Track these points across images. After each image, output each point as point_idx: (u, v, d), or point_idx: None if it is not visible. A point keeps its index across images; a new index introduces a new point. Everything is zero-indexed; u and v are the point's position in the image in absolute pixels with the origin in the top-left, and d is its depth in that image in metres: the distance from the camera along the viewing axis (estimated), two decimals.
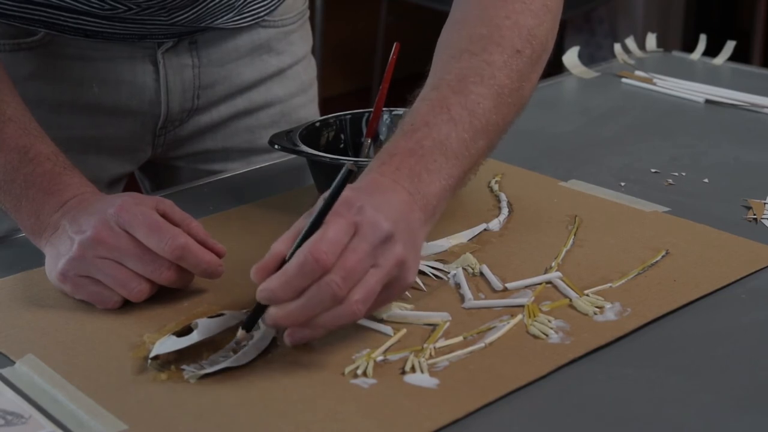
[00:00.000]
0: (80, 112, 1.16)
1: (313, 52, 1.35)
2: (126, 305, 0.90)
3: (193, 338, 0.83)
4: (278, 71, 1.27)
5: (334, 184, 0.80)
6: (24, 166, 0.94)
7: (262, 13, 1.22)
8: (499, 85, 0.92)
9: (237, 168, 1.25)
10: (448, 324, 0.87)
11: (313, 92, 1.35)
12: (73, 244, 0.88)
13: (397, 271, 0.82)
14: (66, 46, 1.14)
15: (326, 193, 0.81)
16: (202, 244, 0.90)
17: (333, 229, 0.79)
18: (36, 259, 0.95)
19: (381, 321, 0.87)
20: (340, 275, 0.78)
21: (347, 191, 0.82)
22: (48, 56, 1.13)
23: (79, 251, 0.88)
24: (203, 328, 0.83)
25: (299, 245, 0.79)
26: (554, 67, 1.58)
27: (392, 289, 0.83)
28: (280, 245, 0.81)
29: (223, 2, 1.15)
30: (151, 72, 1.17)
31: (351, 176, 0.81)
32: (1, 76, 0.99)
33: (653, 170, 1.18)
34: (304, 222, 0.82)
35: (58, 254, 0.90)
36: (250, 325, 0.83)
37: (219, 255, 0.91)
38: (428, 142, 0.88)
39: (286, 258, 0.80)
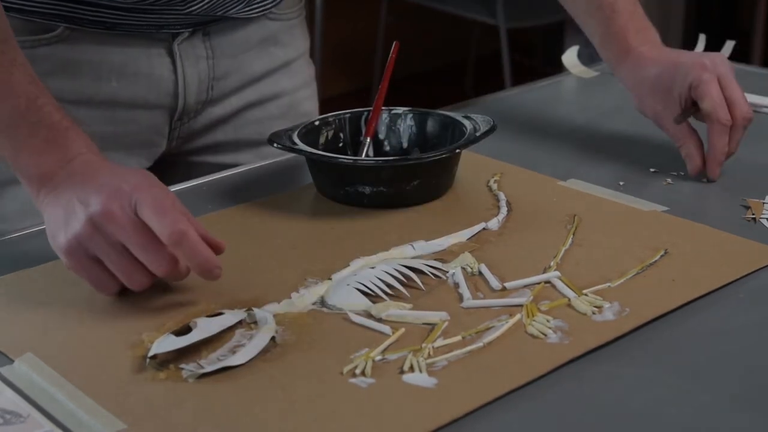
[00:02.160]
0: (99, 107, 1.18)
1: (313, 52, 1.36)
2: (125, 304, 0.90)
3: (192, 338, 0.83)
4: (285, 63, 1.30)
5: None
6: (31, 114, 0.93)
7: (269, 5, 1.25)
8: None
9: (247, 160, 1.27)
10: (446, 323, 0.87)
11: (314, 88, 1.38)
12: (83, 217, 0.88)
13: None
14: (84, 40, 1.15)
15: None
16: (202, 238, 0.89)
17: None
18: (36, 257, 0.96)
19: (379, 320, 0.87)
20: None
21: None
22: (67, 51, 1.15)
23: (89, 228, 0.87)
24: (202, 328, 0.84)
25: None
26: (554, 67, 1.58)
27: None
28: None
29: None
30: (167, 64, 1.19)
31: None
32: (9, 33, 0.98)
33: (652, 170, 1.18)
34: None
35: (63, 223, 0.89)
36: None
37: (218, 249, 0.90)
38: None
39: None
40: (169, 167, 1.30)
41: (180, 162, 1.30)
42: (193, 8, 1.16)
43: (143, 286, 0.89)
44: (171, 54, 1.19)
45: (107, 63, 1.17)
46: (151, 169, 1.31)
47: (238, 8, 1.21)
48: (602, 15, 1.22)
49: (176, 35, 1.19)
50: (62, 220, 0.89)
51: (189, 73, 1.21)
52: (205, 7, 1.17)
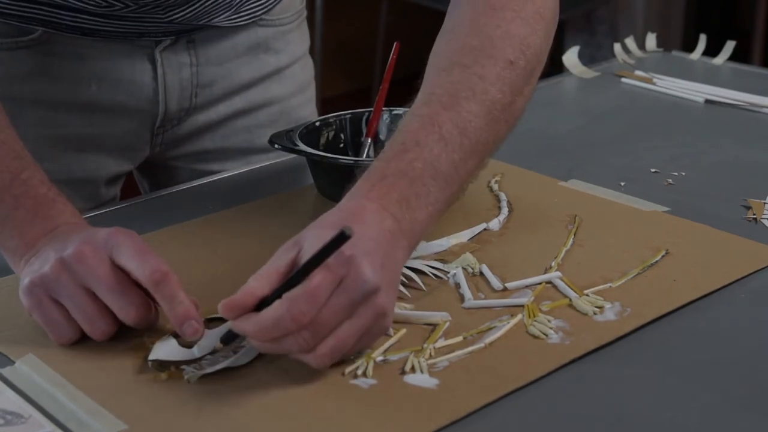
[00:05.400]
0: (78, 110, 1.16)
1: (313, 52, 1.35)
2: None
3: (193, 354, 0.82)
4: (276, 70, 1.27)
5: (327, 243, 0.77)
6: (15, 187, 0.91)
7: (259, 12, 1.22)
8: (491, 101, 0.90)
9: (235, 168, 1.25)
10: (447, 324, 0.87)
11: (311, 92, 1.34)
12: (53, 259, 0.84)
13: (375, 321, 0.80)
14: (64, 44, 1.13)
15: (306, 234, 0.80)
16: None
17: (316, 284, 0.77)
18: None
19: None
20: (311, 330, 0.77)
21: (334, 217, 0.81)
22: (46, 54, 1.13)
23: (57, 267, 0.83)
24: (205, 343, 0.83)
25: (279, 290, 0.78)
26: (554, 67, 1.58)
27: (368, 337, 0.81)
28: (257, 285, 0.79)
29: (219, 1, 1.15)
30: (148, 70, 1.17)
31: (345, 240, 0.77)
32: None
33: (653, 170, 1.18)
34: (282, 259, 0.81)
35: (32, 270, 0.86)
36: (228, 339, 0.82)
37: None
38: (419, 163, 0.86)
39: (266, 299, 0.79)
40: (157, 173, 1.30)
41: (168, 168, 1.28)
42: (175, 17, 1.13)
43: (105, 336, 0.84)
44: (152, 60, 1.17)
45: (87, 67, 1.15)
46: (139, 174, 1.30)
47: (224, 16, 1.18)
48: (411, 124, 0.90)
49: (158, 42, 1.16)
50: (32, 270, 0.86)
51: (170, 80, 1.18)
52: (188, 15, 1.14)
